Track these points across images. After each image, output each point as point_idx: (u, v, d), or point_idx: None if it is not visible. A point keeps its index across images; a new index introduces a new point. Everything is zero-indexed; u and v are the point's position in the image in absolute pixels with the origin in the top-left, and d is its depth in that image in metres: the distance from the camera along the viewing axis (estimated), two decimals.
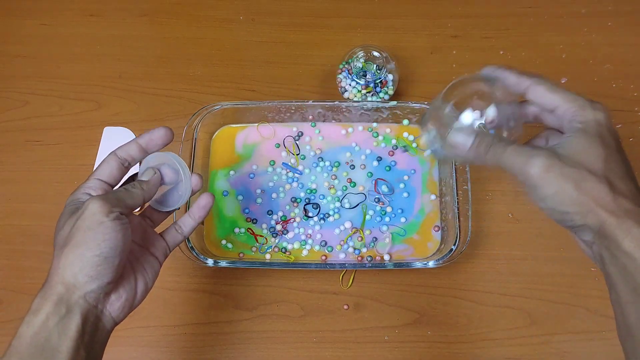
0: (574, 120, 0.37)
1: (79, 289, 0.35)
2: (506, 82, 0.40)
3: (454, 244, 0.53)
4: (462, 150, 0.39)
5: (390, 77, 0.62)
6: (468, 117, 0.40)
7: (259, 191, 0.60)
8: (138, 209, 0.42)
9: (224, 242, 0.58)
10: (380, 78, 0.61)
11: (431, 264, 0.53)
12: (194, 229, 0.46)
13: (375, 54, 0.61)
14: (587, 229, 0.35)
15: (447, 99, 0.41)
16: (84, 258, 0.35)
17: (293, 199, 0.59)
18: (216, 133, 0.62)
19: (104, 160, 0.42)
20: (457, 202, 0.55)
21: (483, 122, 0.40)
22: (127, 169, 0.43)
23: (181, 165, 0.44)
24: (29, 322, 0.34)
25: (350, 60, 0.62)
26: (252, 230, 0.58)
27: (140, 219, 0.44)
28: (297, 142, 0.62)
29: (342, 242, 0.57)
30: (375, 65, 0.61)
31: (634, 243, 0.33)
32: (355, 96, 0.61)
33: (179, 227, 0.46)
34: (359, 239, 0.57)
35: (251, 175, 0.60)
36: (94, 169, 0.43)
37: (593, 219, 0.34)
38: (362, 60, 0.61)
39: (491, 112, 0.40)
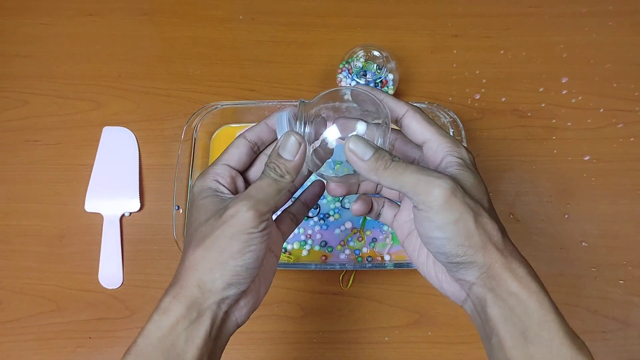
0: (452, 155, 0.35)
1: (215, 294, 0.33)
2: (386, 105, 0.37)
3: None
4: (357, 160, 0.34)
5: (390, 76, 0.61)
6: (362, 127, 0.37)
7: None
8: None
9: None
10: (380, 78, 0.61)
11: None
12: (305, 217, 0.42)
13: (376, 53, 0.61)
14: (474, 267, 0.33)
15: (323, 104, 0.38)
16: (227, 266, 0.33)
17: (293, 199, 0.59)
18: (216, 133, 0.62)
19: (232, 144, 0.38)
20: None
21: (380, 138, 0.37)
22: (256, 153, 0.39)
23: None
24: (157, 322, 0.33)
25: (350, 60, 0.62)
26: None
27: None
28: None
29: (342, 243, 0.57)
30: (375, 65, 0.61)
31: (522, 284, 0.32)
32: None
33: (293, 215, 0.42)
34: (359, 239, 0.57)
35: None
36: (223, 154, 0.38)
37: (485, 257, 0.32)
38: (362, 59, 0.61)
39: (383, 130, 0.37)
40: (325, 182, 0.41)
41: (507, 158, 0.62)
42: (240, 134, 0.39)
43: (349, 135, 0.35)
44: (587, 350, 0.32)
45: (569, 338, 0.32)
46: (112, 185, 0.61)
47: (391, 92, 0.62)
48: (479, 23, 0.70)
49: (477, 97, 0.65)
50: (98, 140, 0.63)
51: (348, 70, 0.61)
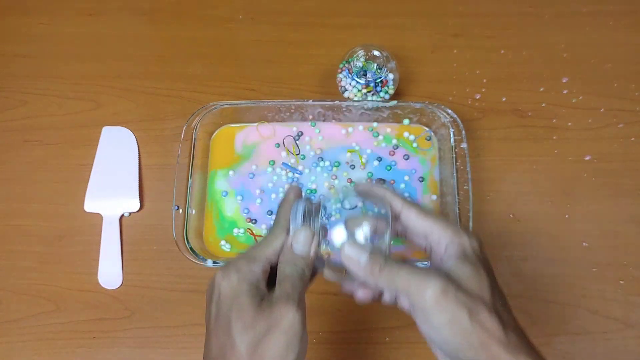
0: (452, 246, 0.35)
1: None
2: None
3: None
4: (353, 265, 0.35)
5: (390, 76, 0.61)
6: (360, 233, 0.37)
7: (258, 191, 0.59)
8: None
9: (223, 242, 0.57)
10: (380, 77, 0.60)
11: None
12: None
13: (376, 53, 0.61)
14: None
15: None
16: None
17: None
18: (215, 133, 0.62)
19: (272, 234, 0.38)
20: (458, 202, 0.55)
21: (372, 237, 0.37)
22: None
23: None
24: None
25: (350, 60, 0.62)
26: (251, 231, 0.58)
27: None
28: (297, 142, 0.62)
29: None
30: (375, 65, 0.61)
31: None
32: (356, 95, 0.61)
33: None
34: None
35: (251, 176, 0.60)
36: (265, 246, 0.38)
37: (485, 354, 0.31)
38: (362, 59, 0.61)
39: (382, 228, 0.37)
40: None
41: (507, 158, 0.62)
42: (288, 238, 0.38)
43: (343, 241, 0.37)
44: None
45: None
46: (112, 185, 0.61)
47: (391, 91, 0.62)
48: (479, 23, 0.70)
49: (478, 97, 0.65)
50: (97, 140, 0.63)
51: (348, 70, 0.61)
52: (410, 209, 0.38)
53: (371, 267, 0.35)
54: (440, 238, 0.36)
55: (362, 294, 0.39)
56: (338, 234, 0.37)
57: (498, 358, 0.31)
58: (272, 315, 0.33)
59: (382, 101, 0.60)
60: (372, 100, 0.60)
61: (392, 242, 0.37)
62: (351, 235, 0.37)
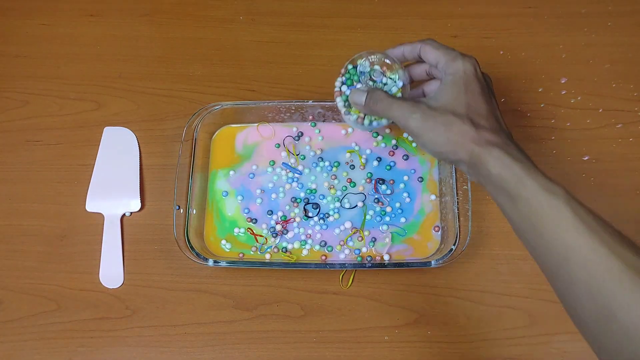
0: (446, 72, 0.45)
1: None
2: (404, 52, 0.49)
3: (454, 244, 0.53)
4: (360, 107, 0.48)
5: (400, 84, 0.50)
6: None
7: (258, 191, 0.60)
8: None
9: (223, 242, 0.58)
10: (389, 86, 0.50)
11: (431, 264, 0.53)
12: None
13: (387, 60, 0.51)
14: (462, 163, 0.43)
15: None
16: None
17: (293, 199, 0.59)
18: (216, 133, 0.62)
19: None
20: (457, 202, 0.55)
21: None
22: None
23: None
24: None
25: (354, 66, 0.51)
26: (252, 230, 0.58)
27: None
28: (297, 142, 0.62)
29: (342, 242, 0.57)
30: (381, 73, 0.50)
31: (498, 163, 0.40)
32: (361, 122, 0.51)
33: None
34: (359, 239, 0.58)
35: (251, 176, 0.61)
36: None
37: (463, 153, 0.42)
38: (368, 66, 0.51)
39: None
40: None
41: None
42: None
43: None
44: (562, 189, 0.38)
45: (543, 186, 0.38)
46: (113, 185, 0.61)
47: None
48: (478, 24, 0.70)
49: None
50: (99, 141, 0.64)
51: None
52: (426, 44, 0.47)
53: (369, 103, 0.47)
54: (442, 65, 0.46)
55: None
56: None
57: (472, 152, 0.41)
58: None
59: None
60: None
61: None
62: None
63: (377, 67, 0.50)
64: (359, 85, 0.50)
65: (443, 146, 0.43)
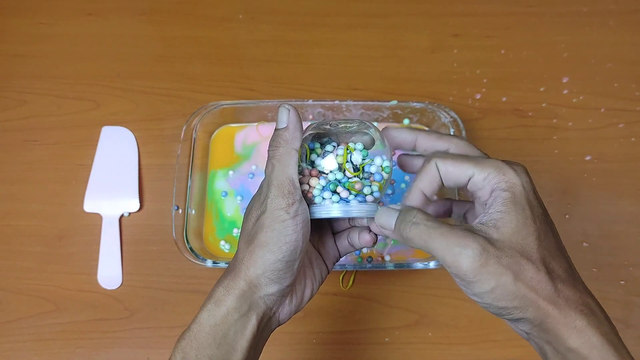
0: (499, 189, 0.32)
1: (260, 290, 0.35)
2: (395, 137, 0.37)
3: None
4: (387, 232, 0.35)
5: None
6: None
7: None
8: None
9: (222, 242, 0.57)
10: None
11: (432, 264, 0.53)
12: (353, 250, 0.43)
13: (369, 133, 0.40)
14: (525, 322, 0.31)
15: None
16: (267, 261, 0.34)
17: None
18: (215, 133, 0.62)
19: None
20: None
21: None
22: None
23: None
24: (210, 311, 0.34)
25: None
26: None
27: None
28: None
29: None
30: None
31: (581, 339, 0.29)
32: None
33: (350, 239, 0.41)
34: None
35: (250, 176, 0.60)
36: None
37: (534, 313, 0.30)
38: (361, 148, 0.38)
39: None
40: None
41: (508, 158, 0.61)
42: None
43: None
44: None
45: None
46: (111, 185, 0.60)
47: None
48: (479, 22, 0.70)
49: (478, 97, 0.65)
50: (97, 140, 0.63)
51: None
52: (445, 160, 0.34)
53: (400, 228, 0.33)
54: (485, 181, 0.32)
55: (367, 239, 0.39)
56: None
57: (547, 315, 0.30)
58: (261, 208, 0.35)
59: (382, 101, 0.60)
60: (372, 101, 0.60)
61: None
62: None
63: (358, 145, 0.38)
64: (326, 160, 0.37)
65: (508, 300, 0.30)
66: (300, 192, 0.35)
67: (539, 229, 0.31)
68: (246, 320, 0.34)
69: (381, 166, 0.38)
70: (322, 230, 0.41)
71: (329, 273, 0.41)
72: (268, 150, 0.36)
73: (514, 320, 0.31)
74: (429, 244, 0.31)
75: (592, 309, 0.30)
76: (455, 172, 0.33)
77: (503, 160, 0.33)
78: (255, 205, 0.36)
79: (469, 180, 0.33)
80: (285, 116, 0.35)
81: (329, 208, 0.37)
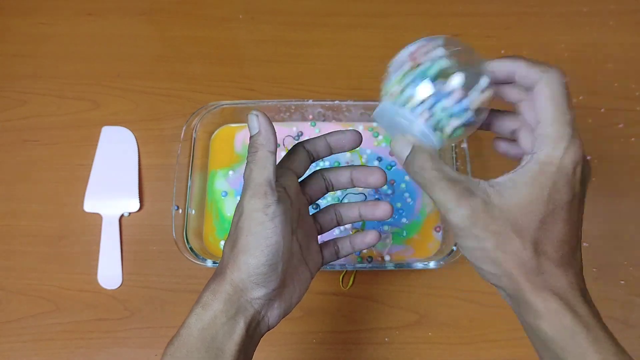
0: (537, 152, 0.30)
1: (247, 294, 0.35)
2: (515, 71, 0.34)
3: (455, 245, 0.53)
4: (399, 161, 0.34)
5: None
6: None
7: None
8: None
9: (222, 242, 0.57)
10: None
11: (432, 264, 0.53)
12: (347, 255, 0.44)
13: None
14: (502, 290, 0.32)
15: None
16: (250, 266, 0.34)
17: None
18: (215, 133, 0.62)
19: (293, 151, 0.39)
20: None
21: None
22: (312, 162, 0.40)
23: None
24: (199, 315, 0.34)
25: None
26: None
27: (311, 220, 0.41)
28: (296, 141, 0.61)
29: None
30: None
31: (554, 320, 0.29)
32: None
33: (337, 247, 0.43)
34: None
35: None
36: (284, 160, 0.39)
37: (507, 283, 0.30)
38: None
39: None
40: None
41: (508, 158, 0.62)
42: (299, 143, 0.40)
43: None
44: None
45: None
46: (111, 185, 0.60)
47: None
48: (479, 22, 0.70)
49: None
50: (97, 140, 0.63)
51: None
52: (547, 86, 0.32)
53: (409, 166, 0.33)
54: (541, 138, 0.30)
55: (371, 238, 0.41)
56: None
57: (521, 289, 0.30)
58: (239, 212, 0.36)
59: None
60: (372, 101, 0.60)
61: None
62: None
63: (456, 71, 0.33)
64: (419, 87, 0.32)
65: (485, 264, 0.31)
66: (277, 195, 0.34)
67: (550, 214, 0.30)
68: (234, 324, 0.34)
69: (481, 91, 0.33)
70: (307, 232, 0.40)
71: (312, 278, 0.41)
72: (247, 157, 0.36)
73: (495, 285, 0.32)
74: (428, 192, 0.32)
75: (574, 293, 0.30)
76: (543, 109, 0.31)
77: (573, 127, 0.30)
78: (237, 210, 0.36)
79: (537, 123, 0.31)
80: (256, 122, 0.36)
81: (410, 118, 0.32)
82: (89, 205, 0.60)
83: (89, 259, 0.58)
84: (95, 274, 0.57)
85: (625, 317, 0.55)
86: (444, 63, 0.33)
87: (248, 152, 0.36)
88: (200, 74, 0.67)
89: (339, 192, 0.59)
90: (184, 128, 0.58)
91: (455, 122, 0.33)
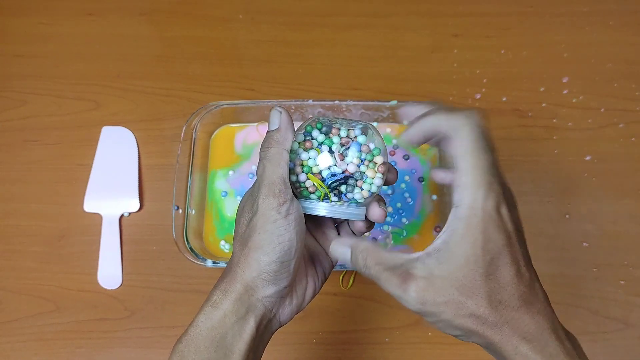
0: (459, 204, 0.31)
1: (257, 292, 0.34)
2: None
3: None
4: (349, 265, 0.36)
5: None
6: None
7: None
8: None
9: (222, 242, 0.57)
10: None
11: None
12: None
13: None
14: (475, 343, 0.32)
15: None
16: (262, 263, 0.34)
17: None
18: (215, 133, 0.62)
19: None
20: None
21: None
22: None
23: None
24: (208, 314, 0.34)
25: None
26: None
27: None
28: None
29: None
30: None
31: None
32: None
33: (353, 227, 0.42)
34: None
35: (250, 176, 0.60)
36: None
37: (478, 339, 0.31)
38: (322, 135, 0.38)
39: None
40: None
41: (507, 158, 0.62)
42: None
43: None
44: None
45: None
46: (112, 185, 0.60)
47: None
48: (479, 22, 0.70)
49: (478, 97, 0.65)
50: (97, 140, 0.63)
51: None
52: (462, 139, 0.32)
53: (355, 264, 0.35)
54: (459, 189, 0.31)
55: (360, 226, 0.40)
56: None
57: (490, 341, 0.31)
58: (252, 210, 0.35)
59: (382, 101, 0.60)
60: (372, 101, 0.60)
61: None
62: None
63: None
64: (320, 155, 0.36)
65: (451, 330, 0.32)
66: (292, 191, 0.35)
67: (490, 264, 0.30)
68: (244, 323, 0.34)
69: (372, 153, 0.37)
70: (324, 223, 0.41)
71: (332, 268, 0.41)
72: (260, 152, 0.36)
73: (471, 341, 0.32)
74: (379, 285, 0.33)
75: (542, 333, 0.30)
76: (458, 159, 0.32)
77: (491, 172, 0.32)
78: (247, 207, 0.36)
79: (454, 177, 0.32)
80: (277, 118, 0.35)
81: (317, 205, 0.36)
82: (89, 205, 0.60)
83: (89, 259, 0.58)
84: (95, 274, 0.57)
85: (625, 317, 0.55)
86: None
87: (262, 147, 0.36)
88: (200, 74, 0.67)
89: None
90: (184, 128, 0.58)
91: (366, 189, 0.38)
